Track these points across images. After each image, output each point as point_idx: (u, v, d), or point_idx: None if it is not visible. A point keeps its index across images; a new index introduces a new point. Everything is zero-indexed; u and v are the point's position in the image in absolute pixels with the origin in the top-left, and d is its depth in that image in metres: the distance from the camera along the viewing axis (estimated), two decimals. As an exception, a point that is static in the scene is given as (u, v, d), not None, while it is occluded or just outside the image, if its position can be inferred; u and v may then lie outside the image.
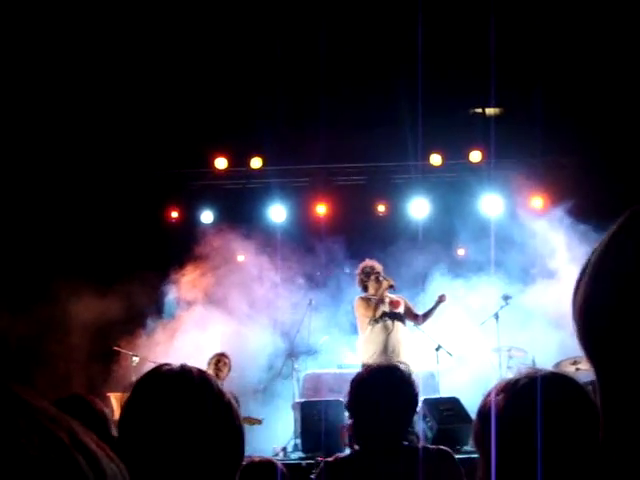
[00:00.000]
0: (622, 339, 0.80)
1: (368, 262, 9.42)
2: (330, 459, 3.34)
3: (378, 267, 9.32)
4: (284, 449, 8.94)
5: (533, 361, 9.70)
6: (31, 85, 10.98)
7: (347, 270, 11.42)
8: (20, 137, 11.26)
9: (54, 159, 11.58)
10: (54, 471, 0.55)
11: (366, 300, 9.15)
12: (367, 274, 9.28)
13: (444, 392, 9.15)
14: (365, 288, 9.30)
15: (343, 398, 9.11)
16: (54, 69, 10.99)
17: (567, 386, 1.64)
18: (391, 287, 9.12)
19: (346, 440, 3.52)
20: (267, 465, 3.19)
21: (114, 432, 3.18)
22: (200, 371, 1.72)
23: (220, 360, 9.08)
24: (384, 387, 3.20)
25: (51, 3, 10.23)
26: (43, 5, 10.18)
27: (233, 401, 1.70)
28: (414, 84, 9.59)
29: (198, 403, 1.64)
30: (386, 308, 9.04)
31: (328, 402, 9.12)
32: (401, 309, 9.13)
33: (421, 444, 3.35)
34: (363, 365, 9.00)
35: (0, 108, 10.79)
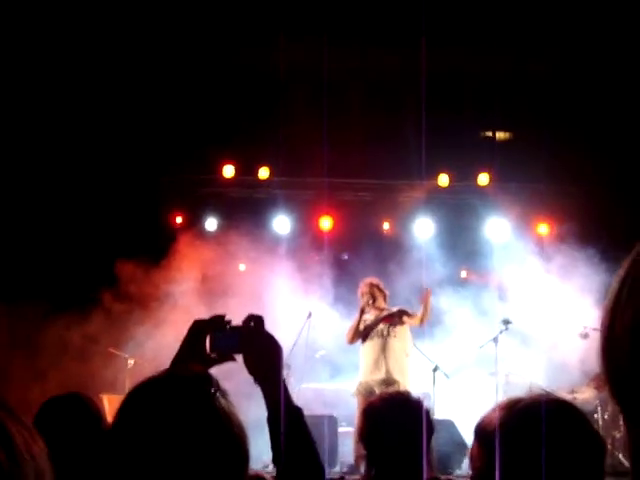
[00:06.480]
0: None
1: (364, 280, 9.44)
2: None
3: (364, 286, 9.30)
4: (274, 461, 8.88)
5: (530, 387, 9.64)
6: (38, 89, 11.00)
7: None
8: (28, 142, 11.27)
9: (61, 162, 11.58)
10: None
11: (353, 321, 9.20)
12: (362, 293, 9.31)
13: (439, 414, 9.09)
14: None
15: (336, 414, 9.14)
16: (62, 73, 11.02)
17: (570, 413, 1.60)
18: (362, 311, 9.12)
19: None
20: None
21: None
22: (191, 381, 1.55)
23: None
24: (398, 417, 3.15)
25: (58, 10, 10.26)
26: (50, 12, 10.21)
27: (231, 409, 1.55)
28: (424, 103, 9.58)
29: (186, 417, 1.48)
30: (375, 324, 9.05)
31: (322, 417, 9.08)
32: (394, 323, 9.07)
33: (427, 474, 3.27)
34: (359, 383, 9.00)
35: (8, 111, 10.83)
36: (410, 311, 9.27)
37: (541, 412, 1.56)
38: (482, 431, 1.63)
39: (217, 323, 2.14)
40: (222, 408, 1.53)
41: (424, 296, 9.12)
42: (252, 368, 2.06)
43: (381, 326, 9.04)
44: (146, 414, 1.50)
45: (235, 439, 1.52)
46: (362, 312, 9.11)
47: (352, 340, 9.16)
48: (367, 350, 9.03)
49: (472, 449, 1.66)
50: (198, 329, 2.13)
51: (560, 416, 1.59)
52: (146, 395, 1.54)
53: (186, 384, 1.54)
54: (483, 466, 1.59)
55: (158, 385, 1.55)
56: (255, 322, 2.13)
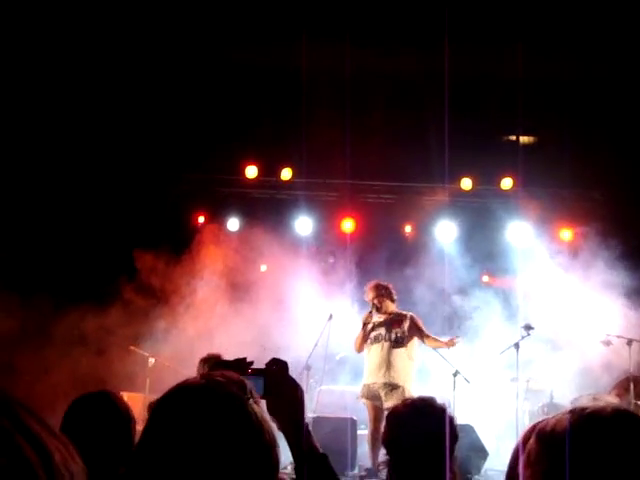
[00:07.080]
0: None
1: (369, 284, 9.36)
2: None
3: (369, 291, 9.19)
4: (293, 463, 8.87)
5: (551, 394, 9.58)
6: (67, 92, 11.09)
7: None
8: (49, 136, 11.35)
9: (83, 156, 11.65)
10: None
11: (359, 331, 9.10)
12: (368, 298, 9.23)
13: (459, 419, 9.02)
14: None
15: (355, 416, 9.12)
16: (87, 72, 11.09)
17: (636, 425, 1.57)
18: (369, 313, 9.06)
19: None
20: None
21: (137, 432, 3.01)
22: (226, 387, 1.57)
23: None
24: (422, 423, 3.11)
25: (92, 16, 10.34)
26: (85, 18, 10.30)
27: (263, 415, 1.57)
28: (448, 107, 9.55)
29: (220, 422, 1.49)
30: (381, 330, 8.99)
31: (340, 419, 9.07)
32: (402, 329, 9.00)
33: None
34: (363, 386, 8.94)
35: (33, 110, 10.92)
36: (420, 322, 9.13)
37: (609, 418, 1.54)
38: (548, 433, 1.60)
39: (239, 366, 2.09)
40: (255, 414, 1.54)
41: (449, 340, 9.04)
42: (275, 414, 2.02)
43: (387, 330, 9.00)
44: (180, 418, 1.50)
45: (266, 445, 1.53)
46: (365, 324, 9.05)
47: (360, 348, 9.07)
48: (372, 353, 8.98)
49: (531, 452, 1.62)
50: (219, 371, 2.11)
51: (629, 424, 1.57)
52: (180, 399, 1.55)
53: (220, 389, 1.55)
54: (547, 469, 1.56)
55: (192, 390, 1.56)
56: (279, 366, 2.09)
